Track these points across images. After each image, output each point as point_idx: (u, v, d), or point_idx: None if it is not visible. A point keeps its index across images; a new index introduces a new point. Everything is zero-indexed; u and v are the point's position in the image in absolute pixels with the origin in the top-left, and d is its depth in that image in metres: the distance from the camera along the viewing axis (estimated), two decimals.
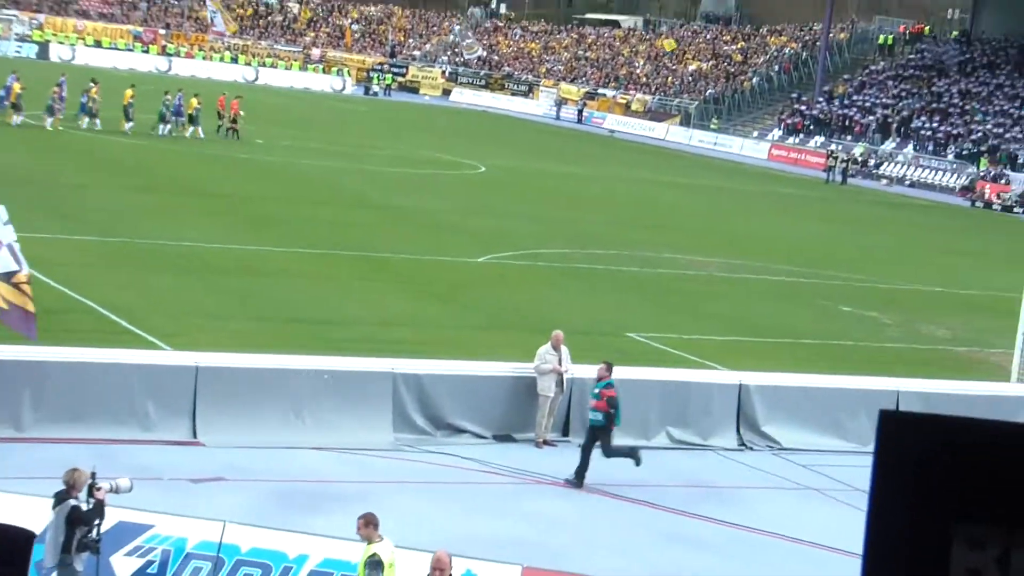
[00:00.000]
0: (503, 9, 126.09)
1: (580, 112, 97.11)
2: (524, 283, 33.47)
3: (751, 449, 21.55)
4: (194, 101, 56.18)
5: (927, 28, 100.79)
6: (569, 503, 18.35)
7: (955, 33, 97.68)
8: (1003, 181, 71.97)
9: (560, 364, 20.55)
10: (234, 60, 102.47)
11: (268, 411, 19.27)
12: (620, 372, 20.96)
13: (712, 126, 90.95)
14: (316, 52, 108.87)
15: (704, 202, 58.25)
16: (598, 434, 18.99)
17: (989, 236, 58.85)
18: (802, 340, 30.06)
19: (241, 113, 57.61)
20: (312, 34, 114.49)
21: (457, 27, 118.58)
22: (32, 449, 17.51)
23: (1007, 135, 78.44)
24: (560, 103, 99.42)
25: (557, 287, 33.30)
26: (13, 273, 17.96)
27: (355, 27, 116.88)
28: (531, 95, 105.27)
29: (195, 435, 19.01)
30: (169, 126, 55.68)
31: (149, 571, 13.83)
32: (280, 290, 29.04)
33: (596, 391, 19.19)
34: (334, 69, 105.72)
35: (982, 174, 73.22)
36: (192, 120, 55.76)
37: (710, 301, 33.65)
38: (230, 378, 19.39)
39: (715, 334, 29.51)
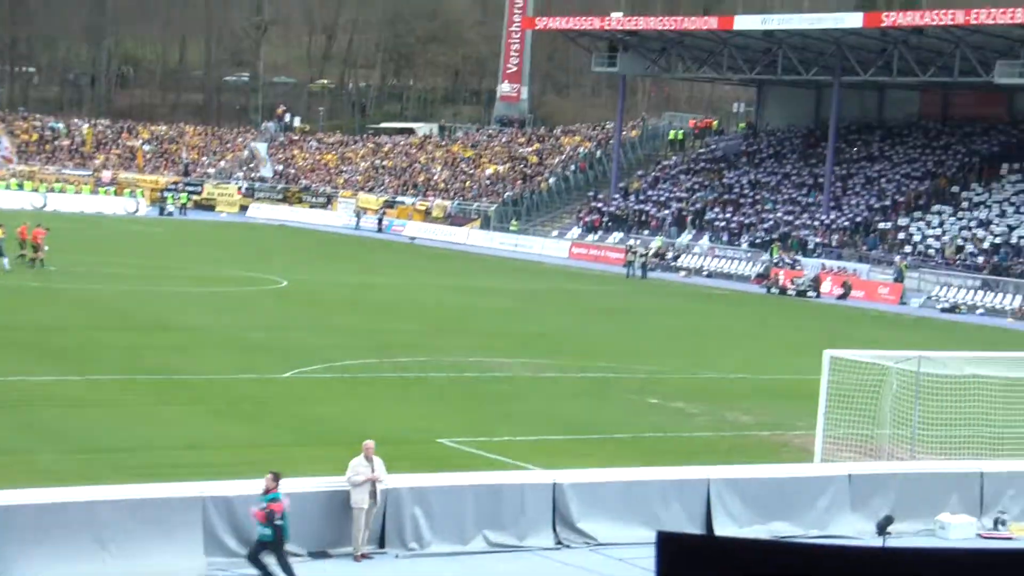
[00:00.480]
0: (297, 122, 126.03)
1: (380, 221, 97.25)
2: (332, 396, 33.18)
3: (568, 547, 21.52)
4: None
5: (715, 122, 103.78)
6: None
7: (742, 126, 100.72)
8: (796, 267, 73.97)
9: (373, 474, 20.35)
10: (20, 187, 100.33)
11: (73, 545, 18.63)
12: (433, 479, 20.83)
13: (512, 228, 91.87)
14: (107, 174, 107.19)
15: (507, 304, 58.63)
16: (269, 547, 18.83)
17: (785, 321, 60.30)
18: (613, 435, 30.28)
19: (45, 247, 56.61)
20: (102, 157, 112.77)
21: (251, 143, 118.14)
22: None
23: (797, 222, 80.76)
24: (359, 213, 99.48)
25: (365, 398, 33.10)
26: None
27: (146, 147, 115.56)
28: (330, 206, 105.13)
29: None
30: None
31: None
32: (81, 420, 28.30)
33: (263, 504, 18.86)
34: (127, 191, 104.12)
35: (775, 261, 75.18)
36: None
37: (519, 402, 33.77)
38: (31, 514, 18.72)
39: (526, 434, 29.56)
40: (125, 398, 30.84)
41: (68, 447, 25.79)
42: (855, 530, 23.43)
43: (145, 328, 42.55)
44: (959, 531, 23.70)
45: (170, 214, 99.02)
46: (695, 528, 21.64)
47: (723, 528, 22.22)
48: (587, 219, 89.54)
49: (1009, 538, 23.97)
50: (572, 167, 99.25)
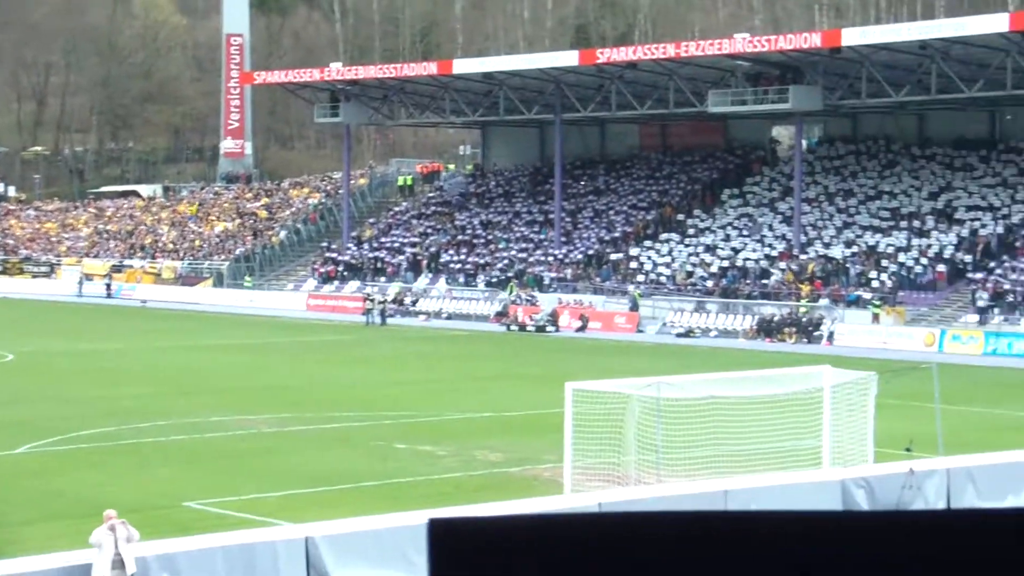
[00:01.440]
0: (12, 192, 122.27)
1: (108, 287, 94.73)
2: (70, 468, 31.90)
3: None
4: None
5: (445, 165, 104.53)
6: None
7: (470, 167, 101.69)
8: (533, 303, 74.83)
9: (116, 545, 19.57)
10: None
11: None
12: (182, 543, 20.15)
13: (246, 284, 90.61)
14: None
15: (246, 361, 57.68)
16: None
17: (527, 357, 60.77)
18: (362, 483, 29.91)
19: None
20: None
21: None
22: None
23: (531, 258, 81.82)
24: (84, 280, 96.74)
25: (104, 467, 31.93)
26: None
27: None
28: (54, 275, 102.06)
29: None
30: None
31: None
32: None
33: None
34: None
35: (513, 299, 75.91)
36: None
37: (265, 458, 33.10)
38: None
39: (275, 490, 28.96)
40: None
41: None
42: None
43: None
44: None
45: None
46: None
47: None
48: (322, 270, 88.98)
49: None
50: (303, 219, 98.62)
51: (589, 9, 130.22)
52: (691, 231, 79.48)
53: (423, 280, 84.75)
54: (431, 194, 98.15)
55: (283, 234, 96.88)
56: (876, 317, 64.83)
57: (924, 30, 68.16)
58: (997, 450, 29.78)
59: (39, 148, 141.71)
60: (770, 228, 77.07)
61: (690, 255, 76.95)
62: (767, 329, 66.79)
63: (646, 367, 46.08)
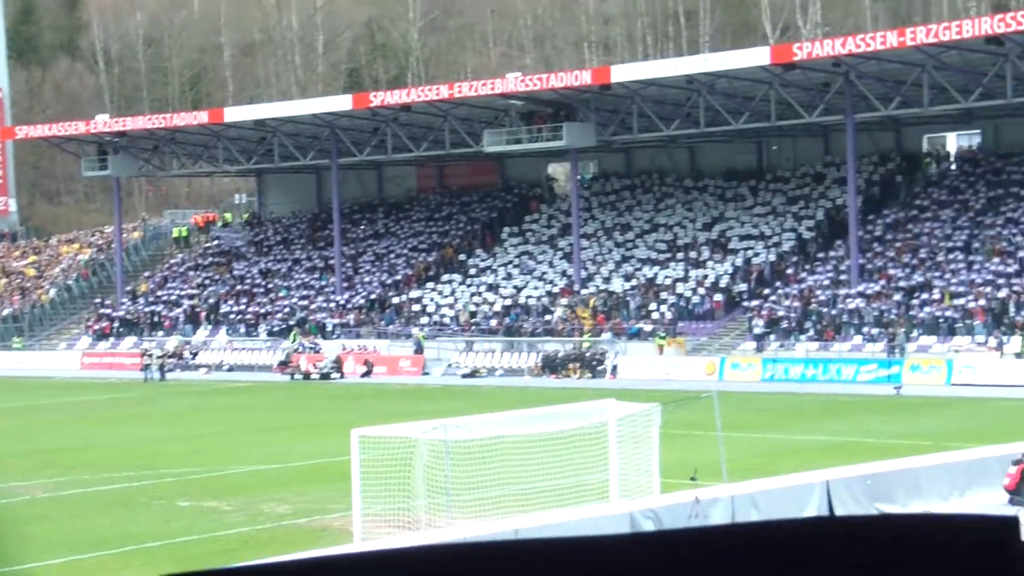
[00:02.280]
0: None
1: None
2: None
3: None
4: None
5: (222, 215, 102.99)
6: None
7: (246, 216, 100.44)
8: (317, 350, 74.17)
9: None
10: None
11: None
12: None
13: (15, 345, 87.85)
14: None
15: (17, 424, 55.72)
16: None
17: (312, 405, 60.12)
18: (145, 544, 29.01)
19: None
20: None
21: None
22: None
23: (312, 305, 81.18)
24: None
25: None
26: None
27: None
28: None
29: None
30: None
31: None
32: None
33: None
34: None
35: (296, 348, 75.07)
36: None
37: (42, 524, 31.87)
38: None
39: (54, 557, 27.86)
40: None
41: None
42: None
43: None
44: None
45: None
46: None
47: None
48: (96, 327, 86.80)
49: None
50: (74, 276, 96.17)
51: (361, 53, 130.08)
52: (472, 271, 79.84)
53: (203, 332, 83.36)
54: (207, 244, 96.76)
55: (53, 292, 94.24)
56: (661, 349, 65.87)
57: (690, 65, 69.85)
58: (777, 474, 30.37)
59: None
60: (551, 265, 77.89)
61: (472, 295, 77.26)
62: (552, 365, 67.25)
63: (433, 410, 45.98)
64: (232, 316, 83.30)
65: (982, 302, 61.92)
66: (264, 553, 25.41)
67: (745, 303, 69.04)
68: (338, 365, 71.10)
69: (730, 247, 73.64)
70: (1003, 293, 62.35)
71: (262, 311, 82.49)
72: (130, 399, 65.72)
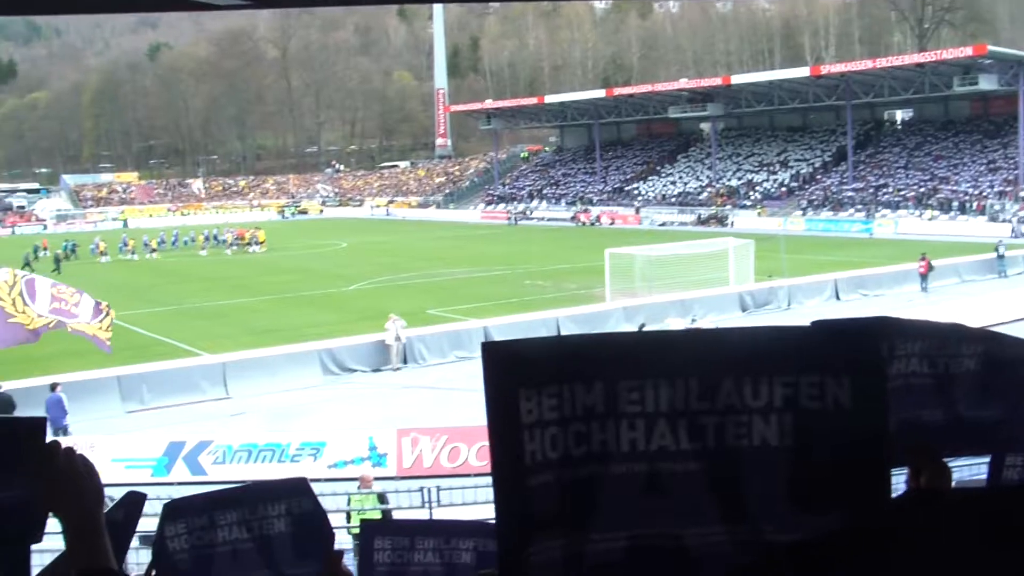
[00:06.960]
0: None
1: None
2: (380, 294, 45.89)
3: None
4: (248, 233, 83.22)
5: (545, 147, 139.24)
6: None
7: (554, 148, 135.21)
8: (586, 211, 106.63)
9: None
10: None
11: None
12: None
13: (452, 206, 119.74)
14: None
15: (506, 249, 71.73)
16: None
17: (588, 241, 74.37)
18: (508, 300, 41.76)
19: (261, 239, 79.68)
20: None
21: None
22: None
23: (589, 191, 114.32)
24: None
25: (400, 295, 45.86)
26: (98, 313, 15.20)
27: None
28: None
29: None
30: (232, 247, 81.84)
31: None
32: (250, 314, 40.80)
33: None
34: None
35: (580, 210, 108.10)
36: (251, 242, 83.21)
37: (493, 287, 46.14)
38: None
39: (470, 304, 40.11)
40: (281, 305, 44.18)
41: (247, 328, 37.99)
42: None
43: (282, 271, 59.77)
44: None
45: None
46: None
47: None
48: (487, 198, 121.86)
49: None
50: (472, 177, 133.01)
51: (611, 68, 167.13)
52: (663, 175, 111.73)
53: (534, 203, 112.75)
54: (535, 161, 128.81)
55: (467, 183, 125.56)
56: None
57: (762, 76, 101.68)
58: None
59: None
60: (699, 172, 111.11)
61: (664, 187, 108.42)
62: (704, 220, 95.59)
63: (643, 241, 56.28)
64: (547, 194, 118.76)
65: None
66: (550, 306, 37.57)
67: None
68: (597, 219, 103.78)
69: (789, 164, 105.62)
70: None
71: (561, 192, 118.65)
72: (499, 234, 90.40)
